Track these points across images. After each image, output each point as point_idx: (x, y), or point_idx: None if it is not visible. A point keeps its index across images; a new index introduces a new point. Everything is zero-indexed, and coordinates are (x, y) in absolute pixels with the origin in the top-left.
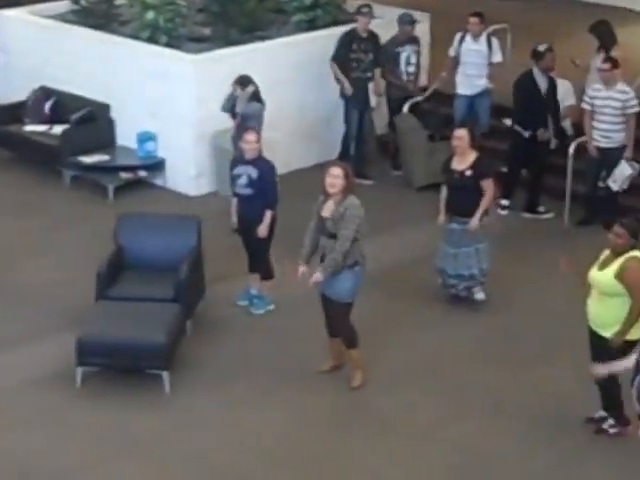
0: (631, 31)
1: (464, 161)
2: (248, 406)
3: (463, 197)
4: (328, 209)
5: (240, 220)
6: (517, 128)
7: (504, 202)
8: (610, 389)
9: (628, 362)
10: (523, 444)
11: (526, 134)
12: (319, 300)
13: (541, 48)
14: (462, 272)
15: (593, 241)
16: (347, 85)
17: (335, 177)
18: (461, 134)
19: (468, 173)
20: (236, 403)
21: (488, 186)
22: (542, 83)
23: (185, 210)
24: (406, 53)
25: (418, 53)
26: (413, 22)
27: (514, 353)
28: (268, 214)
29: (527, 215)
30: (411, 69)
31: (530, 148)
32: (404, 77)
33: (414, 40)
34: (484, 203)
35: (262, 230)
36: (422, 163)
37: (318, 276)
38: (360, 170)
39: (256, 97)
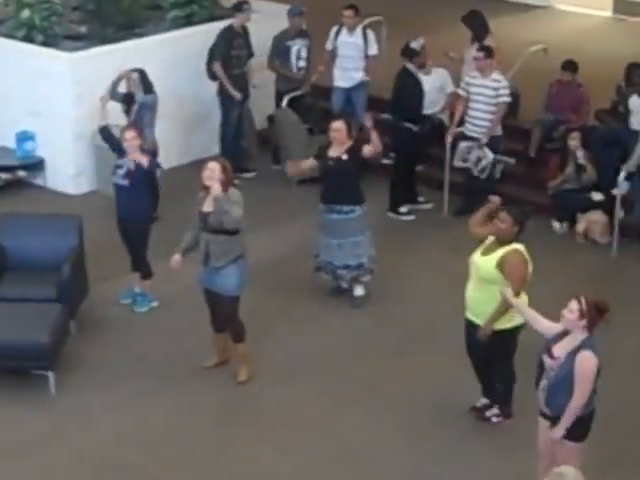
0: (503, 21)
1: (340, 149)
2: (135, 404)
3: (340, 184)
4: (209, 204)
5: (118, 218)
6: (407, 125)
7: (403, 209)
8: (507, 379)
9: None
10: (407, 434)
11: (416, 129)
12: (202, 296)
13: (416, 45)
14: (350, 262)
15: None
16: (235, 94)
17: (212, 170)
18: (338, 126)
19: (344, 157)
20: (123, 402)
21: (367, 150)
22: (420, 77)
23: (66, 209)
24: (297, 47)
25: (308, 47)
26: (302, 13)
27: (397, 344)
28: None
29: (390, 215)
30: (301, 63)
31: (419, 143)
32: (294, 71)
33: (305, 34)
34: (375, 143)
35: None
36: (302, 157)
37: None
38: (241, 164)
39: (150, 89)
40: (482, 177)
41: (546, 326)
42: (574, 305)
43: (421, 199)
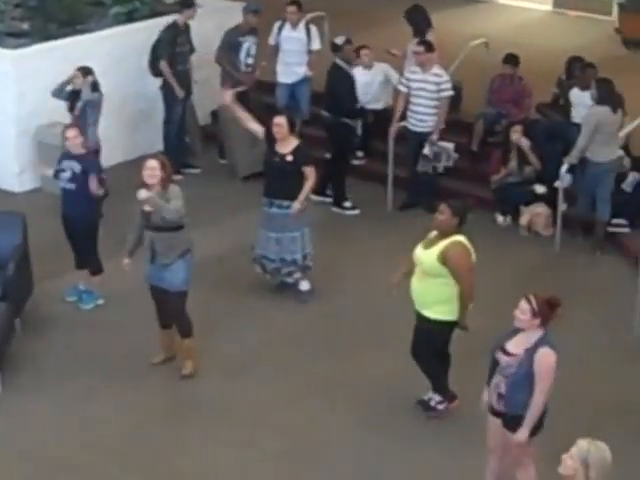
0: (446, 15)
1: (286, 146)
2: (81, 402)
3: (283, 181)
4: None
5: (64, 216)
6: (346, 120)
7: (347, 204)
8: (435, 366)
9: None
10: (354, 429)
11: (353, 124)
12: (148, 293)
13: (339, 41)
14: (285, 256)
15: (416, 225)
16: (179, 91)
17: (152, 169)
18: (280, 121)
19: (289, 158)
20: (69, 400)
21: (310, 172)
22: (351, 72)
23: (9, 207)
24: (248, 44)
25: (257, 45)
26: (257, 11)
27: (342, 339)
28: (92, 178)
29: (334, 210)
30: (250, 60)
31: (355, 138)
32: (242, 67)
33: (255, 32)
34: (306, 189)
35: (94, 189)
36: (246, 153)
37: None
38: (185, 160)
39: (95, 87)
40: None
41: None
42: (525, 305)
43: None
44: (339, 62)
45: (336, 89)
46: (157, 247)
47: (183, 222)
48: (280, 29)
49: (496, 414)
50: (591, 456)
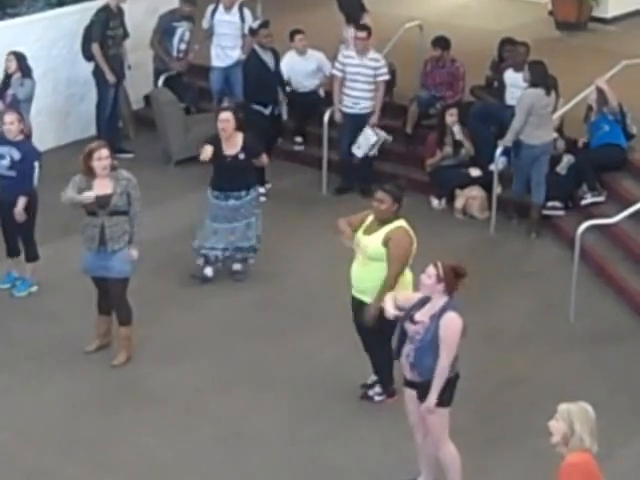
0: (379, 0)
1: (233, 145)
2: (15, 390)
3: (237, 176)
4: (104, 186)
5: (1, 203)
6: (257, 107)
7: (262, 190)
8: (381, 356)
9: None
10: (291, 414)
11: (267, 111)
12: (82, 280)
13: (254, 24)
14: (241, 244)
15: (351, 208)
16: (110, 75)
17: (105, 159)
18: (227, 117)
19: (241, 156)
20: (2, 388)
21: (264, 159)
22: (268, 59)
23: None
24: (182, 29)
25: (191, 31)
26: (193, 2)
27: (281, 323)
28: (22, 200)
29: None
30: (183, 46)
31: (270, 125)
32: (174, 53)
33: (190, 18)
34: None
35: (18, 215)
36: (179, 137)
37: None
38: (118, 145)
39: (28, 74)
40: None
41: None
42: (431, 270)
43: (268, 186)
44: (255, 47)
45: (245, 75)
46: (109, 233)
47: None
48: (213, 12)
49: (410, 385)
50: (572, 412)
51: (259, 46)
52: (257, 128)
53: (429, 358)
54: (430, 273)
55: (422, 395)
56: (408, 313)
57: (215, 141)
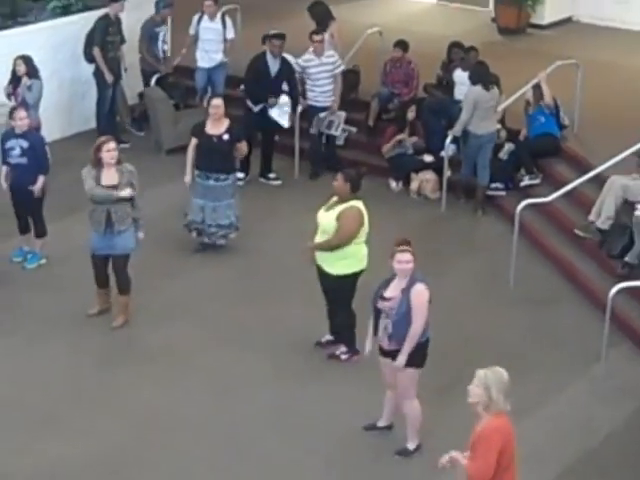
0: (344, 8)
1: (219, 126)
2: (28, 349)
3: (220, 158)
4: (111, 177)
5: (16, 187)
6: (249, 104)
7: (240, 175)
8: (344, 319)
9: None
10: (268, 369)
11: (256, 109)
12: (86, 254)
13: (271, 32)
14: (222, 222)
15: (321, 192)
16: (108, 76)
17: (115, 150)
18: (218, 103)
19: (225, 137)
20: (16, 348)
21: (243, 146)
22: (273, 65)
23: None
24: (163, 33)
25: (168, 31)
26: (170, 5)
27: (259, 290)
28: (41, 179)
29: (261, 180)
30: (165, 47)
31: (260, 121)
32: (160, 54)
33: (166, 21)
34: (238, 161)
35: (37, 191)
36: (169, 129)
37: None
38: (116, 137)
39: (35, 75)
40: (339, 136)
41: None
42: (408, 256)
43: (272, 175)
44: (267, 52)
45: (248, 72)
46: (114, 217)
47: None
48: (199, 20)
49: (386, 354)
50: (489, 378)
51: (270, 52)
52: (245, 121)
53: (404, 328)
54: (408, 259)
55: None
56: (377, 294)
57: (199, 128)
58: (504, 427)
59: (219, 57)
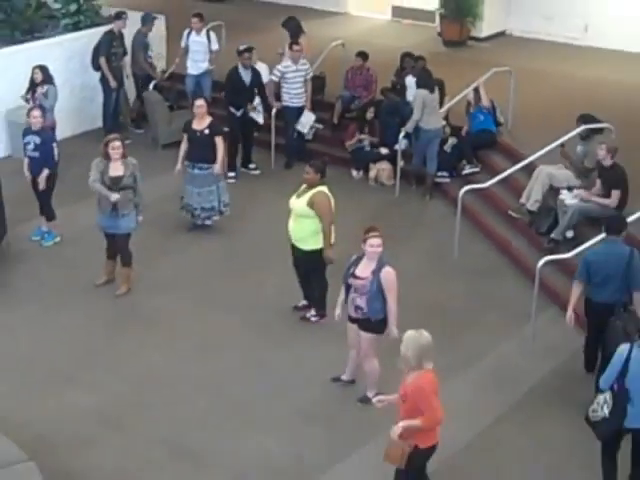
0: (313, 24)
1: (202, 123)
2: (44, 315)
3: (202, 149)
4: (118, 169)
5: (32, 176)
6: (232, 110)
7: (231, 174)
8: (316, 288)
9: None
10: (250, 330)
11: (238, 114)
12: (94, 234)
13: (240, 48)
14: (205, 205)
15: (294, 180)
16: (112, 82)
17: (119, 147)
18: (200, 103)
19: (206, 132)
20: (35, 314)
21: (220, 141)
22: (246, 76)
23: None
24: (148, 42)
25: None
26: (154, 19)
27: (242, 264)
28: (45, 171)
29: (242, 169)
30: (152, 53)
31: (242, 123)
32: (150, 60)
33: (150, 30)
34: (220, 154)
35: (41, 181)
36: (165, 127)
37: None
38: (119, 134)
39: (50, 81)
40: (308, 132)
41: None
42: (378, 240)
43: (252, 166)
44: (239, 65)
45: (226, 84)
46: (119, 202)
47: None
48: (188, 35)
49: (353, 321)
50: (408, 340)
51: (242, 65)
52: (229, 123)
53: (377, 302)
54: (379, 243)
55: (364, 327)
56: (348, 271)
57: (188, 125)
58: (430, 383)
59: (205, 65)
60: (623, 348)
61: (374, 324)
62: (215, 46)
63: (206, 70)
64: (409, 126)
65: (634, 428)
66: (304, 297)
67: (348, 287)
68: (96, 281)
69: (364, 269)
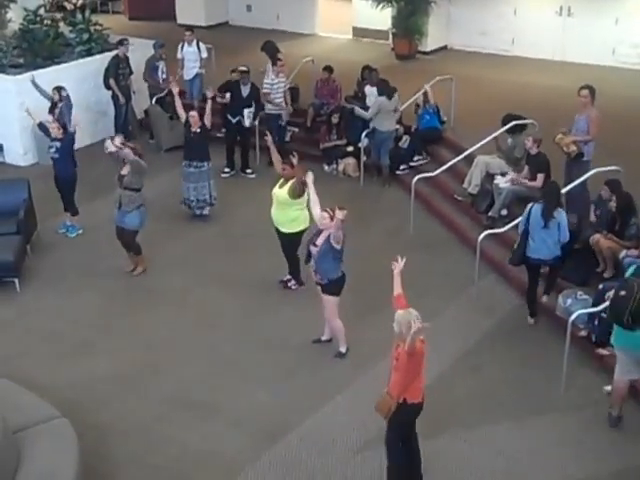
0: (287, 44)
1: (195, 127)
2: (72, 295)
3: (195, 149)
4: (124, 169)
5: (55, 178)
6: (228, 116)
7: (227, 169)
8: (293, 262)
9: None
10: (243, 301)
11: (234, 120)
12: (113, 226)
13: (240, 68)
14: (200, 198)
15: (275, 174)
16: (122, 98)
17: (193, 116)
18: (194, 114)
19: (198, 131)
20: (64, 294)
21: (208, 106)
22: (244, 90)
23: (18, 175)
24: (161, 66)
25: (166, 66)
26: (163, 45)
27: (234, 246)
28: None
29: (241, 174)
30: (164, 76)
31: (237, 129)
32: (160, 80)
33: (163, 57)
34: (208, 110)
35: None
36: (166, 134)
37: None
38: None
39: (68, 99)
40: (285, 134)
41: (317, 214)
42: (325, 214)
43: (249, 171)
44: (241, 82)
45: (231, 100)
46: (122, 200)
47: (140, 186)
48: (182, 47)
49: (317, 284)
50: (399, 318)
51: (241, 81)
52: (226, 131)
53: (324, 264)
54: (325, 216)
55: (323, 290)
56: (311, 240)
57: (187, 124)
58: (420, 354)
59: (195, 71)
60: (529, 206)
61: (329, 287)
62: (204, 54)
63: (197, 74)
64: (360, 113)
65: (534, 258)
66: (289, 272)
67: (309, 255)
68: (125, 268)
69: (322, 238)
